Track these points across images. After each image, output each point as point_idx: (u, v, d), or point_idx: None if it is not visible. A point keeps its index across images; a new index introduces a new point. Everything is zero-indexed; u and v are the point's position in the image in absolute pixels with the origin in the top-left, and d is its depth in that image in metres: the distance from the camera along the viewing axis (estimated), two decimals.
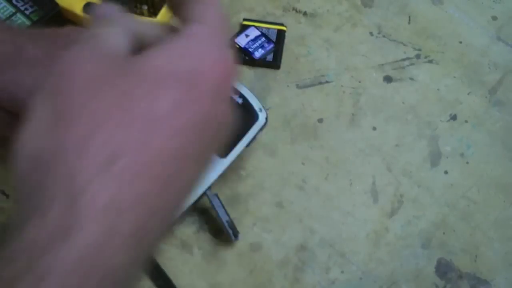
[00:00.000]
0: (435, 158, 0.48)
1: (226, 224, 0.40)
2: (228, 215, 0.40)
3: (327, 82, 0.51)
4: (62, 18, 0.49)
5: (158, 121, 0.20)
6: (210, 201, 0.40)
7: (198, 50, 0.22)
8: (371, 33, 0.54)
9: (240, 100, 0.42)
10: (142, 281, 0.41)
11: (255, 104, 0.42)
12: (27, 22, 0.49)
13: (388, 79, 0.51)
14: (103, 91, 0.20)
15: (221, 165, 0.40)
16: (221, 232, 0.43)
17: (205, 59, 0.22)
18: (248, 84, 0.50)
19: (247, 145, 0.42)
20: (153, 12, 0.49)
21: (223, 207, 0.40)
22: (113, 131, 0.19)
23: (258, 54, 0.50)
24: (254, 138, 0.42)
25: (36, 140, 0.20)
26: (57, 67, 0.21)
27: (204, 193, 0.40)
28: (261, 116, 0.42)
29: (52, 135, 0.20)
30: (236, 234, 0.41)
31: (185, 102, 0.21)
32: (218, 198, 0.41)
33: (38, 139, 0.20)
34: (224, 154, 0.40)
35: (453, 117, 0.50)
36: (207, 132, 0.22)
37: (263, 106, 0.42)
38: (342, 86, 0.51)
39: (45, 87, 0.21)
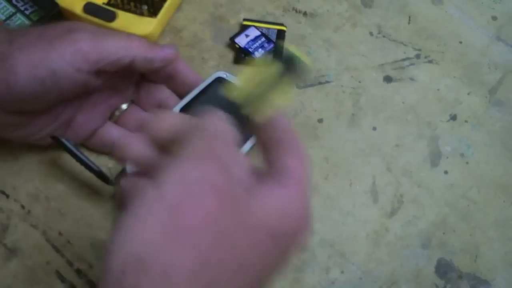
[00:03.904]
0: (435, 158, 0.48)
1: None
2: None
3: (327, 82, 0.51)
4: (62, 18, 0.49)
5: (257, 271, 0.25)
6: None
7: (297, 211, 0.26)
8: (371, 33, 0.54)
9: None
10: None
11: None
12: (27, 22, 0.49)
13: (388, 79, 0.51)
14: (214, 237, 0.23)
15: None
16: None
17: (300, 223, 0.26)
18: None
19: (252, 147, 0.42)
20: (153, 12, 0.49)
21: None
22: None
23: (258, 54, 0.50)
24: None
25: (139, 244, 0.22)
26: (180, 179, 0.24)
27: None
28: None
29: (158, 246, 0.22)
30: None
31: (275, 255, 0.26)
32: None
33: (143, 243, 0.22)
34: None
35: (453, 117, 0.50)
36: (275, 271, 0.26)
37: None
38: (342, 86, 0.51)
39: (158, 199, 0.23)
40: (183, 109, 0.42)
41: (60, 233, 0.42)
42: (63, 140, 0.41)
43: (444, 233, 0.45)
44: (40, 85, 0.35)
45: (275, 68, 0.31)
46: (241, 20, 0.53)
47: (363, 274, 0.42)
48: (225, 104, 0.42)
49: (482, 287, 0.43)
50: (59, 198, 0.43)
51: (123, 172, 0.40)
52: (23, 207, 0.43)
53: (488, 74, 0.53)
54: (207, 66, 0.50)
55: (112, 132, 0.43)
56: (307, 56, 0.31)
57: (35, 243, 0.42)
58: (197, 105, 0.42)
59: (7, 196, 0.43)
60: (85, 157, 0.41)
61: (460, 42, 0.54)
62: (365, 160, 0.47)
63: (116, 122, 0.44)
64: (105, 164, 0.44)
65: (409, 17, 0.55)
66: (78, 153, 0.41)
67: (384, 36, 0.54)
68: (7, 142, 0.45)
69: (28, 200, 0.43)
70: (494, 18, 0.56)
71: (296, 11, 0.55)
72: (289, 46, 0.32)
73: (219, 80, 0.42)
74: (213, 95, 0.42)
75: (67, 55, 0.35)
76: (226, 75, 0.43)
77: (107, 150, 0.44)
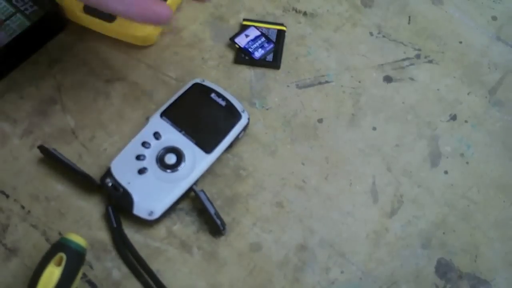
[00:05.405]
0: (435, 158, 0.48)
1: (214, 217, 0.42)
2: (214, 208, 0.42)
3: (327, 82, 0.51)
4: (62, 18, 0.49)
5: None
6: (197, 195, 0.42)
7: None
8: (371, 33, 0.54)
9: (223, 103, 0.46)
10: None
11: (238, 106, 0.46)
12: (27, 22, 0.49)
13: (388, 79, 0.51)
14: None
15: (206, 161, 0.44)
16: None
17: None
18: (248, 84, 0.50)
19: (231, 144, 0.45)
20: None
21: (209, 200, 0.42)
22: None
23: (258, 54, 0.50)
24: (237, 137, 0.45)
25: None
26: None
27: (191, 188, 0.43)
28: (244, 116, 0.45)
29: None
30: (223, 225, 0.42)
31: None
32: (204, 193, 0.43)
33: None
34: (209, 150, 0.44)
35: (453, 117, 0.50)
36: None
37: (246, 109, 0.46)
38: (342, 86, 0.51)
39: None
40: (164, 113, 0.45)
41: (60, 233, 0.42)
42: (51, 150, 0.43)
43: (444, 233, 0.45)
44: None
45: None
46: (241, 20, 0.53)
47: (363, 274, 0.43)
48: (201, 107, 0.45)
49: (482, 287, 0.43)
50: (59, 198, 0.43)
51: (107, 174, 0.42)
52: (23, 207, 0.43)
53: (488, 74, 0.53)
54: (207, 66, 0.50)
55: None
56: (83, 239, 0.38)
57: (35, 243, 0.42)
58: (176, 109, 0.45)
59: (7, 196, 0.43)
60: (73, 164, 0.43)
61: (460, 42, 0.54)
62: (365, 160, 0.47)
63: None
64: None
65: (409, 17, 0.55)
66: (65, 161, 0.43)
67: (384, 36, 0.54)
68: (7, 142, 0.45)
69: (28, 200, 0.43)
70: (494, 18, 0.56)
71: (296, 11, 0.55)
72: (68, 233, 0.38)
73: (196, 86, 0.46)
74: (190, 100, 0.46)
75: None
76: (203, 80, 0.47)
77: None
